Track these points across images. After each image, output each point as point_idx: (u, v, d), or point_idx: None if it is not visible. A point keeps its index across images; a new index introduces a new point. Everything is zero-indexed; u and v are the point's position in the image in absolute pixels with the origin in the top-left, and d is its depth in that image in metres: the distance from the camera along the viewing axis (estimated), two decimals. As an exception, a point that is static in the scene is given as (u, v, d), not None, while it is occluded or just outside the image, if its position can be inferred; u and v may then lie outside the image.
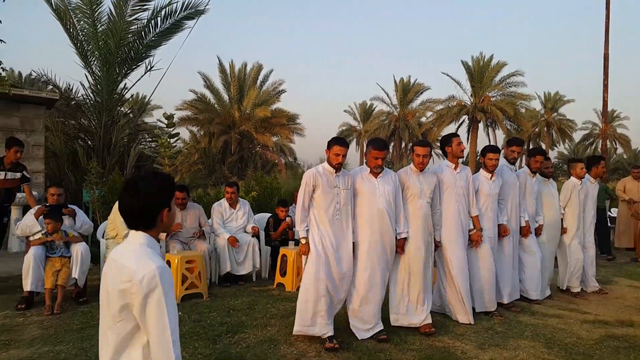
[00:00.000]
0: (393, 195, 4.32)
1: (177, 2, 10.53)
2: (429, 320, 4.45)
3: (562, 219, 6.01)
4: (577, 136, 41.38)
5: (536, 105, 36.15)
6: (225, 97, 27.13)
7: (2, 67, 5.80)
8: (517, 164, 5.73)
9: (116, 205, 5.64)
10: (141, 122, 12.81)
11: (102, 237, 5.83)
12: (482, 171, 5.20)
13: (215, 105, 26.78)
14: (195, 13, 10.98)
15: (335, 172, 4.17)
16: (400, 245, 4.37)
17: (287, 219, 7.03)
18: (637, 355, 3.95)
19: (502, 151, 5.88)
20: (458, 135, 5.05)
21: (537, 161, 5.66)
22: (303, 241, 4.15)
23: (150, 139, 11.53)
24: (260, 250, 6.53)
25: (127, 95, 11.64)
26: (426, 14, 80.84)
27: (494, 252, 5.11)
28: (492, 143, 30.14)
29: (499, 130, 31.64)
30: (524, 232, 5.53)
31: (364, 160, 4.45)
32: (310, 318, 4.03)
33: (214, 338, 4.15)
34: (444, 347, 4.08)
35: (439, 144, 5.10)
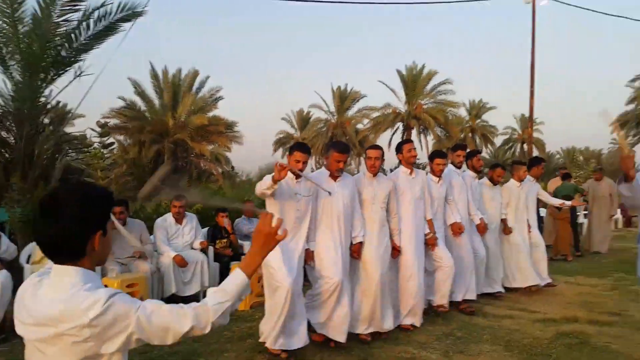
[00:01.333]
0: (350, 200, 4.29)
1: (112, 3, 9.90)
2: (391, 326, 4.50)
3: (502, 219, 6.25)
4: (498, 141, 43.82)
5: (462, 112, 37.85)
6: (158, 104, 26.16)
7: None
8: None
9: None
10: (65, 132, 11.94)
11: (27, 262, 5.24)
12: (430, 175, 5.28)
13: (147, 113, 25.74)
14: (132, 15, 10.32)
15: (296, 179, 4.04)
16: (355, 249, 4.33)
17: (226, 221, 6.75)
18: (589, 350, 4.13)
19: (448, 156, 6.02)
20: (410, 142, 5.11)
21: (478, 159, 5.95)
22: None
23: (77, 150, 10.77)
24: (209, 267, 6.20)
25: (54, 103, 10.77)
26: (363, 23, 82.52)
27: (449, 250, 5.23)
28: (424, 148, 31.29)
29: (430, 136, 32.79)
30: (479, 228, 5.74)
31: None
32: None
33: (165, 371, 3.86)
34: (411, 358, 4.05)
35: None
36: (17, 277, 4.92)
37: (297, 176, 4.03)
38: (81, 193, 1.43)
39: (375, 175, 4.55)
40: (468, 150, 6.09)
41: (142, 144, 24.06)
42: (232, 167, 30.62)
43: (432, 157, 5.38)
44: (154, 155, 24.00)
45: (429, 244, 4.99)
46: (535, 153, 43.63)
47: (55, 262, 1.40)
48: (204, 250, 6.23)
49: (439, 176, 5.26)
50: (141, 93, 25.67)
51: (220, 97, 27.02)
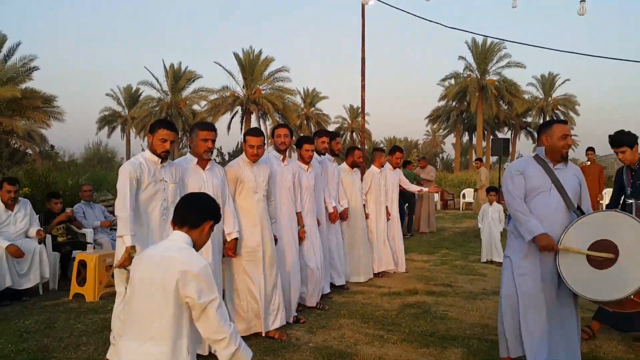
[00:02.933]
0: (221, 191, 3.88)
1: None
2: (279, 325, 4.28)
3: (364, 205, 6.47)
4: (330, 129, 46.65)
5: (298, 100, 39.24)
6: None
7: None
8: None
9: None
10: None
11: None
12: (299, 162, 5.04)
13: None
14: None
15: (161, 163, 3.54)
16: (230, 247, 3.95)
17: (68, 209, 6.20)
18: (432, 319, 4.74)
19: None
20: (284, 127, 4.84)
21: (337, 142, 5.90)
22: (128, 251, 3.29)
23: None
24: (48, 257, 5.57)
25: None
26: (198, 2, 79.43)
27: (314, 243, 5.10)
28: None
29: (269, 121, 33.38)
30: (331, 217, 5.66)
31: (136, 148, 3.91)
32: None
33: (15, 370, 3.44)
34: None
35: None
36: None
37: (163, 159, 3.54)
38: (207, 199, 2.30)
39: (255, 161, 4.22)
40: (316, 130, 6.29)
41: None
42: (52, 147, 27.31)
43: (300, 142, 5.11)
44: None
45: (301, 236, 4.82)
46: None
47: (180, 227, 2.18)
48: (42, 241, 5.57)
49: (308, 163, 5.07)
50: None
51: (35, 67, 23.73)
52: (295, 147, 5.28)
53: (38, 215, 5.91)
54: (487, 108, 35.06)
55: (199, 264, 1.99)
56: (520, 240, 3.29)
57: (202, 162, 3.83)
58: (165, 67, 34.60)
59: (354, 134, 47.41)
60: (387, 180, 6.84)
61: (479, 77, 35.35)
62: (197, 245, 2.13)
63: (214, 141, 3.81)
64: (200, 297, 1.97)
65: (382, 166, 6.78)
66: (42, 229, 5.70)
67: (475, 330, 4.41)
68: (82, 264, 5.49)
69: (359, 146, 16.92)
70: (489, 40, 34.81)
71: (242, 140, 4.28)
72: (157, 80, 34.58)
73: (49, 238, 5.84)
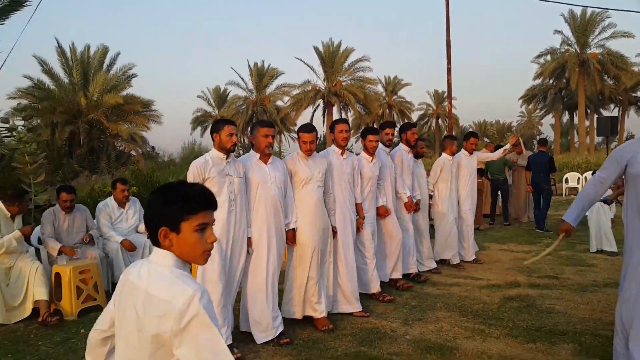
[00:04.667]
0: (283, 183, 4.13)
1: (17, -26, 9.01)
2: (325, 314, 4.29)
3: (430, 196, 6.39)
4: (414, 117, 45.60)
5: (379, 89, 38.79)
6: (68, 83, 24.28)
7: None
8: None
9: None
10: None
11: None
12: (362, 154, 5.10)
13: (57, 92, 23.82)
14: (40, -12, 9.51)
15: (226, 158, 3.83)
16: (289, 237, 4.17)
17: None
18: (537, 312, 4.49)
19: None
20: (343, 122, 4.83)
21: (413, 133, 5.83)
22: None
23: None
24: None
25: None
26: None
27: (374, 234, 5.10)
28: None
29: (350, 112, 33.38)
30: (406, 207, 5.64)
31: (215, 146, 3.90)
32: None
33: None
34: (374, 327, 4.21)
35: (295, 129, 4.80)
36: None
37: (227, 155, 3.83)
38: (164, 189, 1.58)
39: (309, 156, 4.36)
40: (402, 124, 6.15)
41: (54, 125, 22.33)
42: (153, 148, 29.35)
43: (364, 133, 5.14)
44: (68, 136, 22.40)
45: (358, 227, 4.84)
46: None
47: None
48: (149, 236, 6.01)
49: (372, 154, 5.08)
50: (49, 71, 23.69)
51: (134, 74, 25.63)
52: (361, 137, 5.27)
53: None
54: (589, 84, 32.24)
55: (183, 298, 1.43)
56: None
57: (264, 157, 4.08)
58: (249, 66, 35.79)
59: (439, 120, 46.03)
60: (461, 167, 6.60)
61: (578, 51, 32.69)
62: (187, 260, 1.57)
63: (273, 137, 4.10)
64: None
65: (454, 154, 6.53)
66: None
67: (586, 325, 4.12)
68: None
69: (448, 133, 16.38)
70: (589, 11, 32.09)
71: (297, 137, 4.43)
72: (242, 79, 35.88)
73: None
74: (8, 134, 8.23)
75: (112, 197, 5.96)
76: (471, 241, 6.70)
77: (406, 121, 42.30)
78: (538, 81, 36.21)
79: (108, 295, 5.23)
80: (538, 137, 13.16)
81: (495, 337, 3.93)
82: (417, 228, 6.02)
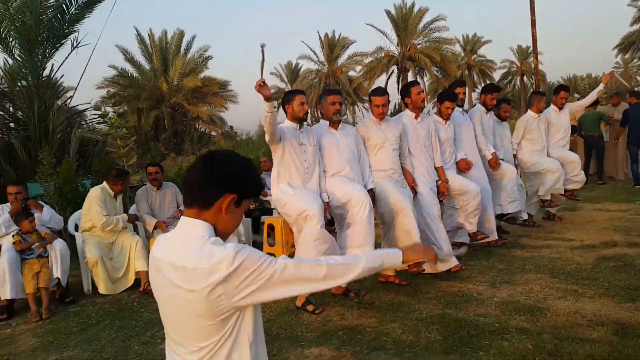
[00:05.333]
0: (356, 146, 4.23)
1: (97, -31, 9.57)
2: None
3: (514, 156, 6.11)
4: (497, 75, 43.33)
5: (457, 49, 37.18)
6: (149, 69, 25.68)
7: None
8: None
9: (90, 193, 5.23)
10: (74, 106, 11.76)
11: (76, 231, 5.39)
12: (435, 117, 5.03)
13: (140, 79, 25.30)
14: (119, -20, 10.04)
15: (299, 127, 3.99)
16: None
17: None
18: (636, 271, 4.22)
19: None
20: (418, 84, 4.85)
21: (493, 98, 5.67)
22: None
23: (91, 121, 10.64)
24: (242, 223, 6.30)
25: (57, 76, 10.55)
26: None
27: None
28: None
29: (427, 77, 32.40)
30: (491, 163, 5.49)
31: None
32: None
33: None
34: (459, 291, 4.16)
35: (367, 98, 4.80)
36: (71, 245, 5.16)
37: (300, 125, 3.99)
38: (237, 159, 1.47)
39: (382, 120, 4.37)
40: (485, 85, 6.03)
41: (140, 111, 23.80)
42: (231, 127, 30.47)
43: (441, 99, 5.05)
44: (153, 121, 23.80)
45: (440, 191, 4.77)
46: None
47: (186, 211, 1.44)
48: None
49: (446, 119, 5.00)
50: (131, 60, 25.18)
51: (210, 56, 26.65)
52: (438, 101, 5.15)
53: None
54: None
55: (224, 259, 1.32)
56: None
57: (334, 125, 4.18)
58: (320, 38, 35.74)
59: (524, 77, 43.49)
60: (551, 125, 6.24)
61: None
62: (220, 233, 1.45)
63: (341, 104, 4.18)
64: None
65: (541, 111, 6.17)
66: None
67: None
68: (271, 227, 6.06)
69: (536, 89, 15.37)
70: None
71: (369, 101, 4.45)
72: (313, 52, 35.93)
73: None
74: (101, 121, 8.92)
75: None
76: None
77: (488, 82, 40.49)
78: (636, 26, 32.93)
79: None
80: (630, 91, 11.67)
81: (589, 297, 3.74)
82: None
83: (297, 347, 3.26)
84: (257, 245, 6.41)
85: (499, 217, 5.68)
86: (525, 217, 6.00)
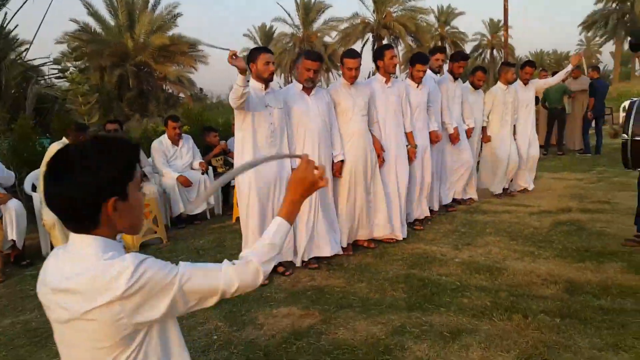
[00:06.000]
0: (328, 114, 4.07)
1: None
2: (388, 231, 4.54)
3: (484, 127, 6.17)
4: (468, 48, 43.56)
5: (431, 19, 37.12)
6: (114, 25, 24.67)
7: None
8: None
9: (49, 150, 5.06)
10: (29, 60, 11.21)
11: (33, 191, 5.20)
12: (408, 81, 4.98)
13: (103, 35, 24.30)
14: None
15: (265, 89, 3.73)
16: (337, 168, 4.16)
17: (222, 142, 6.80)
18: (587, 235, 4.48)
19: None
20: (392, 48, 4.71)
21: (460, 66, 5.62)
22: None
23: (49, 77, 10.21)
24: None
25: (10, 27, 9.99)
26: None
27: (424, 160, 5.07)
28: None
29: (401, 46, 32.33)
30: (452, 138, 5.56)
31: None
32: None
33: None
34: (424, 252, 4.31)
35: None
36: (29, 207, 4.96)
37: (266, 85, 3.74)
38: (91, 150, 1.19)
39: (352, 83, 4.24)
40: (453, 52, 5.92)
41: (103, 69, 22.95)
42: (201, 89, 29.81)
43: (413, 61, 4.97)
44: (117, 79, 23.02)
45: (409, 156, 4.78)
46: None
47: (72, 230, 1.21)
48: (204, 172, 6.24)
49: (418, 83, 4.94)
50: (94, 14, 24.09)
51: (179, 13, 25.68)
52: (409, 64, 5.11)
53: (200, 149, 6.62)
54: (656, 6, 29.74)
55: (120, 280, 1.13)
56: None
57: (307, 89, 3.96)
58: (296, 0, 34.92)
59: (494, 50, 43.91)
60: (517, 98, 6.28)
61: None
62: (128, 230, 1.29)
63: (316, 72, 3.92)
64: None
65: (509, 82, 6.20)
66: (203, 161, 6.36)
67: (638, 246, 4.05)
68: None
69: (507, 61, 15.54)
70: None
71: (340, 64, 4.28)
72: (289, 15, 35.23)
73: (210, 169, 6.50)
74: (60, 76, 8.56)
75: (165, 136, 6.14)
76: (527, 173, 6.49)
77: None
78: (600, 5, 33.61)
79: (167, 230, 5.54)
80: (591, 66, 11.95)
81: (544, 258, 3.96)
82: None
83: (265, 307, 3.33)
84: (229, 207, 6.41)
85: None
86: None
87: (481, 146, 6.35)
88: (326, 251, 4.10)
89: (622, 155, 3.93)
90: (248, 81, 3.44)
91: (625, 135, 3.82)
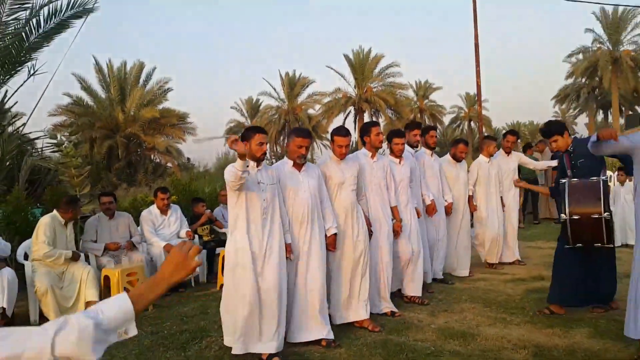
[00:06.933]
0: (318, 190, 4.09)
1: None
2: (367, 316, 4.30)
3: (469, 198, 6.19)
4: (446, 120, 45.38)
5: (410, 93, 38.86)
6: (105, 98, 25.46)
7: None
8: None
9: (40, 221, 5.23)
10: (26, 133, 11.52)
11: (25, 260, 5.34)
12: (390, 157, 5.04)
13: (95, 108, 25.00)
14: (83, 12, 10.18)
15: (257, 166, 3.76)
16: (330, 242, 4.12)
17: (207, 211, 7.02)
18: (557, 302, 4.67)
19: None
20: (378, 125, 4.91)
21: (415, 135, 5.54)
22: None
23: (42, 149, 10.48)
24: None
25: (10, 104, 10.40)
26: (306, 9, 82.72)
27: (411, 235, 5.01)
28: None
29: (382, 118, 33.57)
30: (428, 210, 5.52)
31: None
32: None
33: (182, 346, 4.08)
34: (402, 319, 4.46)
35: (329, 136, 4.74)
36: (19, 275, 5.07)
37: (258, 163, 3.77)
38: None
39: (342, 160, 4.35)
40: (422, 127, 5.87)
41: (93, 140, 23.42)
42: (188, 159, 30.31)
43: (390, 137, 5.09)
44: (106, 150, 23.44)
45: (394, 230, 4.77)
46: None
47: None
48: (191, 240, 6.43)
49: (399, 156, 5.05)
50: (87, 88, 24.92)
51: (170, 88, 26.69)
52: (387, 140, 5.19)
53: (187, 218, 6.83)
54: (622, 82, 31.69)
55: None
56: None
57: (297, 166, 4.05)
58: (281, 76, 36.46)
59: (471, 122, 45.67)
60: (501, 169, 6.49)
61: (611, 49, 32.17)
62: None
63: (307, 148, 4.01)
64: None
65: (491, 155, 6.41)
66: (189, 230, 6.57)
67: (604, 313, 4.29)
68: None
69: (479, 135, 16.37)
70: (621, 8, 31.52)
71: (331, 140, 4.43)
72: (274, 89, 36.59)
73: (196, 238, 6.70)
74: (54, 149, 8.86)
75: (154, 206, 6.40)
76: (515, 242, 6.62)
77: (438, 125, 42.29)
78: (570, 81, 35.77)
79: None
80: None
81: (516, 324, 4.16)
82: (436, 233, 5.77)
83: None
84: (213, 275, 6.53)
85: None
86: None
87: (471, 216, 6.39)
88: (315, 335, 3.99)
89: (561, 232, 4.32)
90: (247, 166, 3.48)
91: (563, 215, 4.12)
